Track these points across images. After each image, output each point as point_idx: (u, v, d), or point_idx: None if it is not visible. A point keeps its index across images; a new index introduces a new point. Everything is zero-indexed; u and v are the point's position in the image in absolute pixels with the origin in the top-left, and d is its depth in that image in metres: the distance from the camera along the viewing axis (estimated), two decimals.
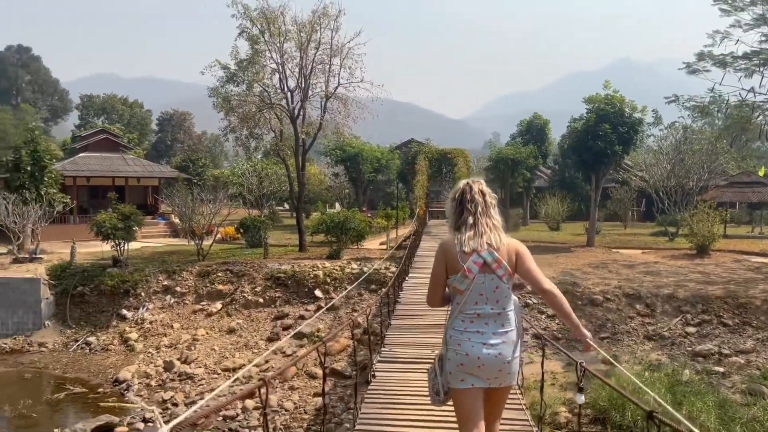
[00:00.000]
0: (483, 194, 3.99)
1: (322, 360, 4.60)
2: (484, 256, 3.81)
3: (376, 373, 7.18)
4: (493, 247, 3.83)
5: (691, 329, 14.84)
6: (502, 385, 3.92)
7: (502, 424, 4.49)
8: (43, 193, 23.11)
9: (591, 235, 25.10)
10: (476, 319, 3.82)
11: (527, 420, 6.66)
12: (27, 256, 21.27)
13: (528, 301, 16.35)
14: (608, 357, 6.38)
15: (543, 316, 15.92)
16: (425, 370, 4.64)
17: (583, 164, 24.40)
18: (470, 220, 3.90)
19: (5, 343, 17.49)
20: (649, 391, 4.80)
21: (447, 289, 3.99)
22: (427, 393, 4.21)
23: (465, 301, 3.83)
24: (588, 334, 4.14)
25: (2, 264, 20.49)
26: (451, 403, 4.10)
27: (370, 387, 6.69)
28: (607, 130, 22.57)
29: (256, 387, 3.61)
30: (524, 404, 7.13)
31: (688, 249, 22.65)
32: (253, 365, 15.15)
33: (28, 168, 23.28)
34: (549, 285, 3.90)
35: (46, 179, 23.81)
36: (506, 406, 5.90)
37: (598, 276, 18.15)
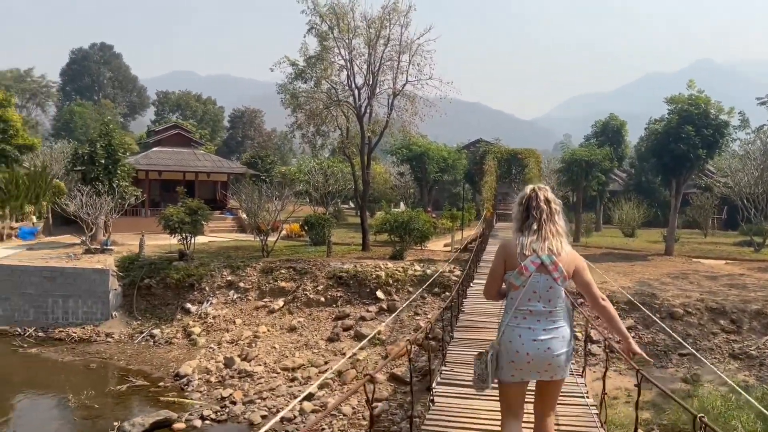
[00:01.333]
0: (548, 202, 4.18)
1: (370, 398, 4.10)
2: (542, 257, 4.02)
3: (435, 398, 6.46)
4: (554, 252, 4.04)
5: None
6: (553, 378, 4.13)
7: (570, 426, 4.96)
8: (115, 185, 23.65)
9: (669, 243, 23.77)
10: (529, 315, 4.05)
11: (594, 421, 6.00)
12: (98, 247, 21.81)
13: None
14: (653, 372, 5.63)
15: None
16: (491, 397, 4.34)
17: (663, 168, 23.09)
18: (534, 225, 4.11)
19: (74, 332, 17.89)
20: None
21: (504, 285, 4.23)
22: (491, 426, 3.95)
23: (519, 297, 4.05)
24: (638, 349, 4.23)
25: (75, 254, 21.06)
26: None
27: (429, 416, 6.03)
28: (690, 132, 21.25)
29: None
30: (591, 405, 6.47)
31: None
32: (312, 365, 14.93)
33: (102, 161, 23.88)
34: (605, 301, 4.16)
35: (119, 172, 24.38)
36: (574, 405, 6.01)
37: (678, 287, 17.03)
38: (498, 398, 4.38)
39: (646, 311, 12.95)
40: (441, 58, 23.47)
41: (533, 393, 4.37)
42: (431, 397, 6.35)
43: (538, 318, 4.05)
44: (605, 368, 6.61)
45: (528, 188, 4.31)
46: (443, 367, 7.68)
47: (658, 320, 12.90)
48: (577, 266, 4.13)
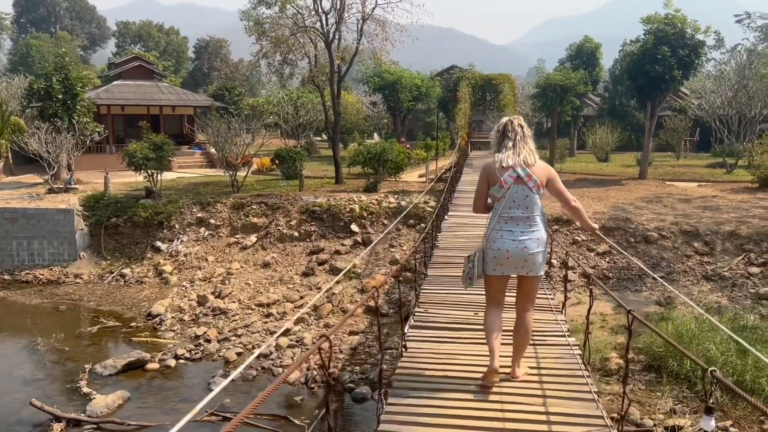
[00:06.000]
0: (521, 126, 4.96)
1: (326, 362, 3.80)
2: (518, 171, 4.76)
3: (408, 344, 6.06)
4: (528, 164, 4.77)
5: (755, 269, 13.77)
6: (529, 274, 4.89)
7: (551, 369, 5.39)
8: (75, 121, 22.64)
9: (644, 166, 23.73)
10: (509, 221, 4.81)
11: (577, 362, 5.76)
12: (62, 186, 21.06)
13: (576, 238, 15.41)
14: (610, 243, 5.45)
15: (592, 254, 15.00)
16: (467, 340, 5.51)
17: (638, 91, 22.75)
18: (510, 144, 4.86)
19: (42, 274, 17.43)
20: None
21: (489, 199, 4.98)
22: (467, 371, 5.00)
23: (501, 206, 4.82)
24: (596, 225, 5.46)
25: (38, 194, 20.34)
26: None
27: (401, 364, 5.63)
28: (666, 53, 20.84)
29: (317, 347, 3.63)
30: (573, 345, 6.23)
31: (750, 182, 21.21)
32: (287, 300, 14.77)
33: (60, 96, 22.76)
34: (575, 202, 5.00)
35: (78, 108, 23.29)
36: (555, 346, 6.05)
37: (652, 211, 17.02)
38: (473, 341, 5.26)
39: (611, 243, 12.71)
40: None
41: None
42: (404, 343, 6.05)
43: (517, 222, 4.81)
44: (590, 305, 6.10)
45: (504, 118, 5.07)
46: (416, 309, 7.32)
47: (623, 251, 12.79)
48: (550, 176, 4.89)
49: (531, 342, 5.98)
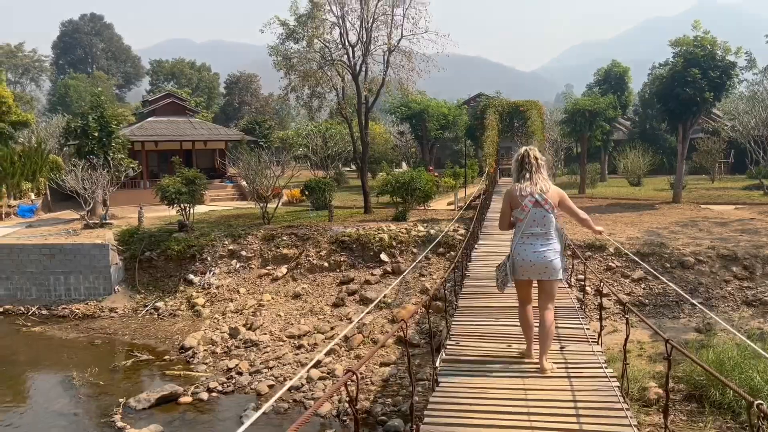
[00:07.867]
0: (536, 158, 5.92)
1: (353, 397, 3.73)
2: (536, 197, 5.76)
3: (440, 378, 5.93)
4: (543, 191, 5.78)
5: None
6: (550, 278, 5.87)
7: (589, 402, 5.40)
8: (110, 158, 23.22)
9: (677, 190, 23.32)
10: (531, 236, 5.81)
11: (615, 394, 5.60)
12: (98, 221, 21.51)
13: (610, 264, 15.14)
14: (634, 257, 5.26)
15: (627, 280, 14.69)
16: (498, 374, 5.92)
17: (669, 114, 22.50)
18: (527, 174, 5.87)
19: (78, 309, 17.73)
20: None
21: (512, 219, 5.97)
22: (498, 407, 5.25)
23: (524, 225, 5.83)
24: (601, 228, 6.50)
25: (74, 230, 20.79)
26: None
27: (432, 398, 5.56)
28: (696, 75, 20.62)
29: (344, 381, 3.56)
30: (610, 376, 6.06)
31: None
32: (318, 332, 14.73)
33: (96, 134, 23.41)
34: (583, 215, 6.11)
35: (113, 144, 23.91)
36: (591, 378, 6.07)
37: (688, 235, 16.65)
38: (506, 374, 5.88)
39: (646, 266, 12.46)
40: (438, 11, 22.71)
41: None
42: (435, 377, 5.97)
43: (537, 237, 5.82)
44: (627, 335, 6.14)
45: (522, 149, 6.02)
46: (448, 342, 7.18)
47: (658, 274, 12.49)
48: (561, 197, 5.92)
49: (567, 375, 6.06)
